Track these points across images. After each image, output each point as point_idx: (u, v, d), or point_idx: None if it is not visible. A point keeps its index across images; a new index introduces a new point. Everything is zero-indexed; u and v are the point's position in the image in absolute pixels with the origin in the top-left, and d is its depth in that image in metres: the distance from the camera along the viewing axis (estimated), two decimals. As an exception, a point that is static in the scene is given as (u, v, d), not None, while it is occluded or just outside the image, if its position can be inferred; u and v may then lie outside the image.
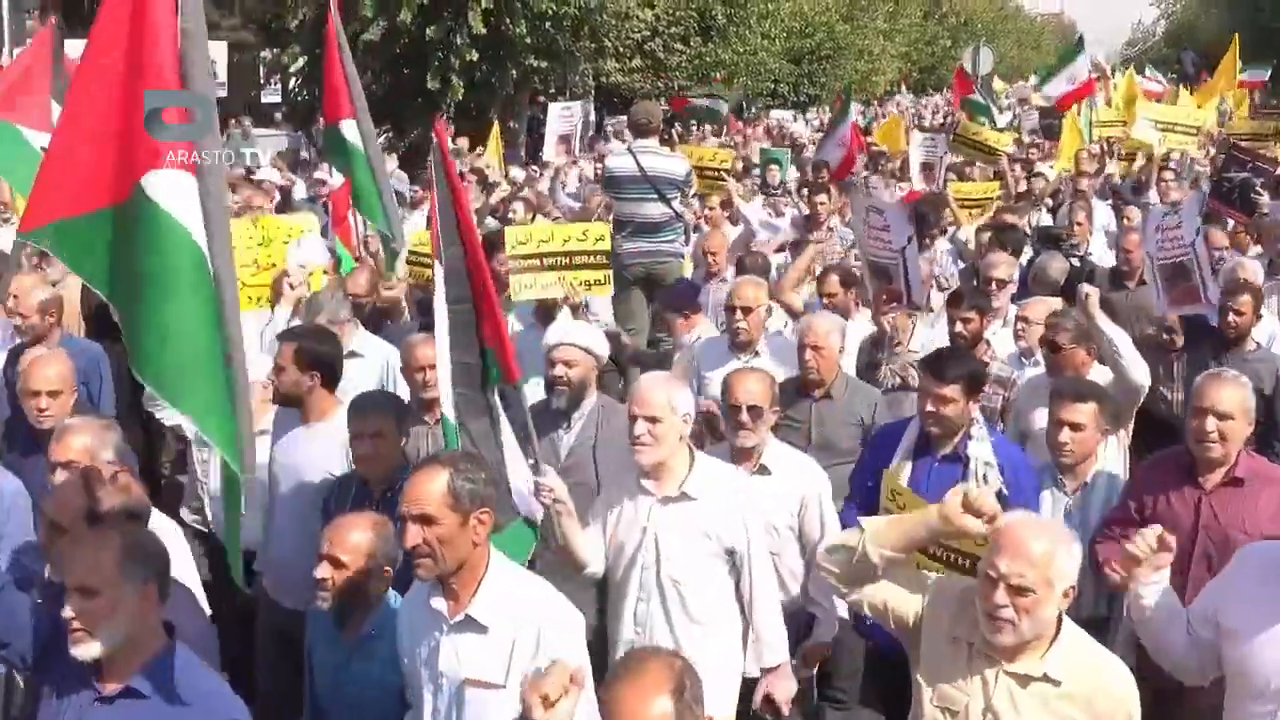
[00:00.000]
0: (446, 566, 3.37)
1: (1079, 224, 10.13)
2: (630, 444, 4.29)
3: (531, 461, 4.34)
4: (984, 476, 4.65)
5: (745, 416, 4.80)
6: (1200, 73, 33.55)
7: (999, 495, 4.11)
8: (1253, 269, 8.14)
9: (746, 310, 6.37)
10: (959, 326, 6.27)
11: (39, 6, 19.93)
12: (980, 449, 4.77)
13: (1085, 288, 5.91)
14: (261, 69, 28.71)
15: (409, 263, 8.42)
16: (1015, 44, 69.52)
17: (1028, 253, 9.72)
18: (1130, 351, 5.67)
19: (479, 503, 3.40)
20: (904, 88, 45.60)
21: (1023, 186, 13.29)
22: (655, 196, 8.34)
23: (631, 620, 4.35)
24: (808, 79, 38.17)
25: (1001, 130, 17.28)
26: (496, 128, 16.74)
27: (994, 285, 7.29)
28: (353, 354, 6.14)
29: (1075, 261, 8.96)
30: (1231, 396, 4.43)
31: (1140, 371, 5.66)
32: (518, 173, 15.01)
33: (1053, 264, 8.25)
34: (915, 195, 11.95)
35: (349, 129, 7.42)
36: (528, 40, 22.77)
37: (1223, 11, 54.03)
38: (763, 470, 4.85)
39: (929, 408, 4.77)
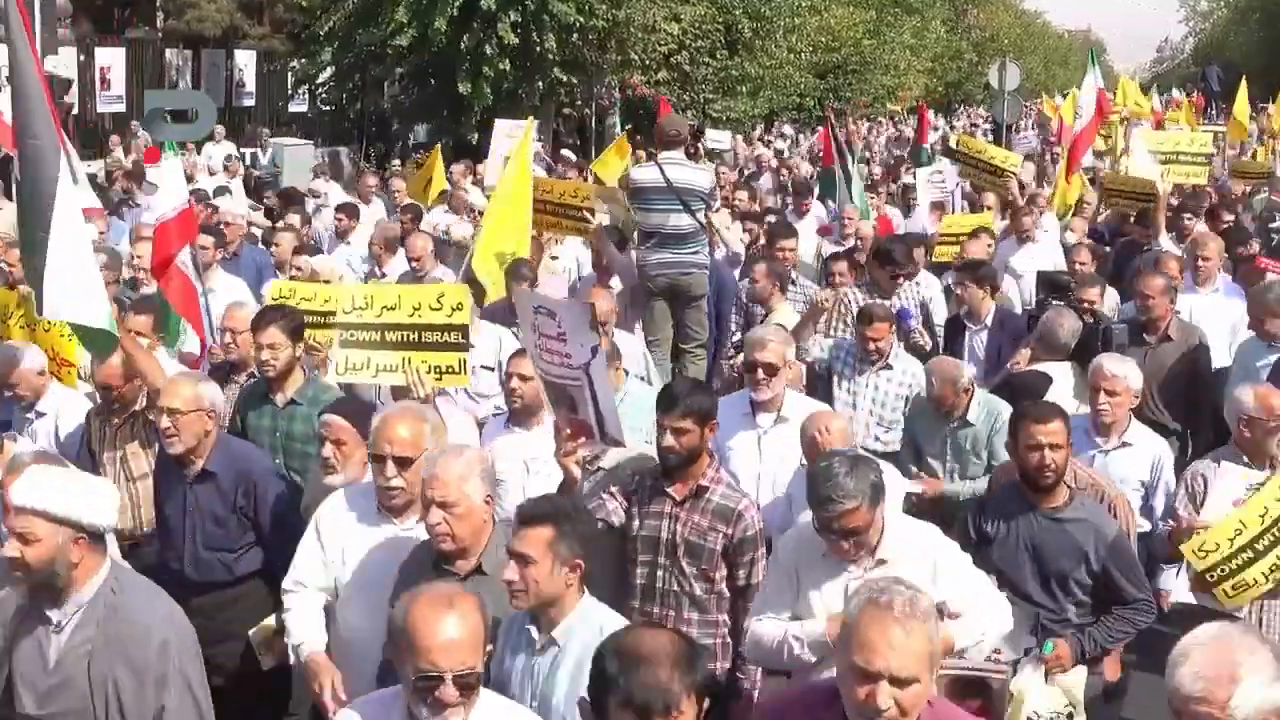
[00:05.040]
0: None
1: (1081, 263, 8.81)
2: None
3: None
4: None
5: (450, 691, 2.98)
6: (1231, 92, 32.92)
7: None
8: (1122, 372, 5.81)
9: None
10: (669, 438, 4.60)
11: (70, 16, 20.15)
12: None
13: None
14: (290, 78, 28.88)
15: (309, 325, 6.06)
16: (1042, 61, 69.42)
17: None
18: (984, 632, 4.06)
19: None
20: (901, 108, 44.90)
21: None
22: (680, 207, 8.36)
23: None
24: (833, 93, 38.18)
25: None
26: (438, 151, 15.00)
27: (760, 372, 5.65)
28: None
29: (1088, 317, 7.23)
30: (905, 646, 2.83)
31: (999, 627, 4.15)
32: (477, 199, 12.46)
33: (1063, 323, 6.81)
34: (885, 222, 11.20)
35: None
36: (554, 55, 22.84)
37: (1253, 29, 53.70)
38: None
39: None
